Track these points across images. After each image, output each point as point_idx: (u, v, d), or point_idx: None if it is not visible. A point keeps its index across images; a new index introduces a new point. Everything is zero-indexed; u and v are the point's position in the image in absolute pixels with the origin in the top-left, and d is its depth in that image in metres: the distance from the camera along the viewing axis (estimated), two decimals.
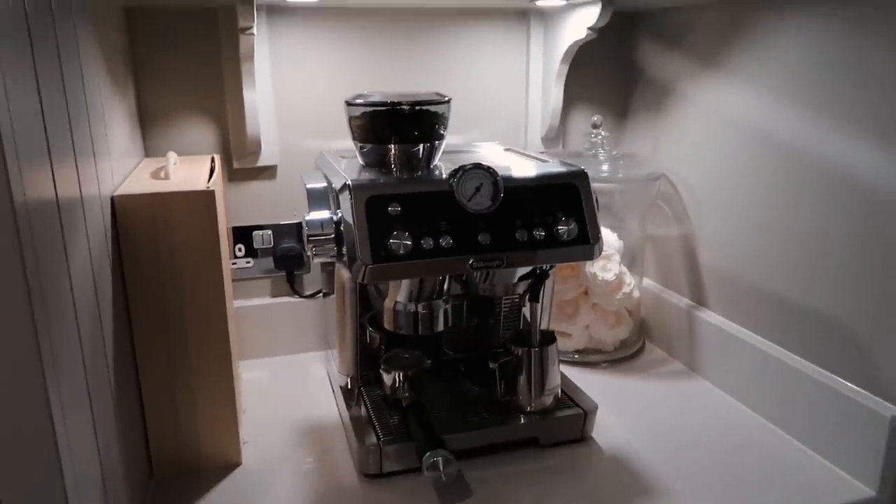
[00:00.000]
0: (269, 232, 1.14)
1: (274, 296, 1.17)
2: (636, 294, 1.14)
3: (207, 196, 0.77)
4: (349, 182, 0.77)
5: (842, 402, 0.84)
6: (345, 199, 0.77)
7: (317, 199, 0.85)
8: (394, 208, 0.76)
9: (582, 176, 0.84)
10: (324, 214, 0.81)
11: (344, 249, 0.78)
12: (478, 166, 0.79)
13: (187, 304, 0.79)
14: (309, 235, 0.80)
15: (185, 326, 0.79)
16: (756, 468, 0.85)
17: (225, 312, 0.81)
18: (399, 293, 0.84)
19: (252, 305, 1.15)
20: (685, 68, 1.09)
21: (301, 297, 1.17)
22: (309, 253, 0.81)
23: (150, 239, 0.76)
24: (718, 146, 1.03)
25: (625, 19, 1.14)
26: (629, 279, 1.12)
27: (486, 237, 0.78)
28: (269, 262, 1.15)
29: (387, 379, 0.89)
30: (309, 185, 0.86)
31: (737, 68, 0.98)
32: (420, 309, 0.84)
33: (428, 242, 0.76)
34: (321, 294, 1.16)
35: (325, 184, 0.86)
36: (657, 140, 1.17)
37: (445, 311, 0.85)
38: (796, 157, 0.89)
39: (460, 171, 0.78)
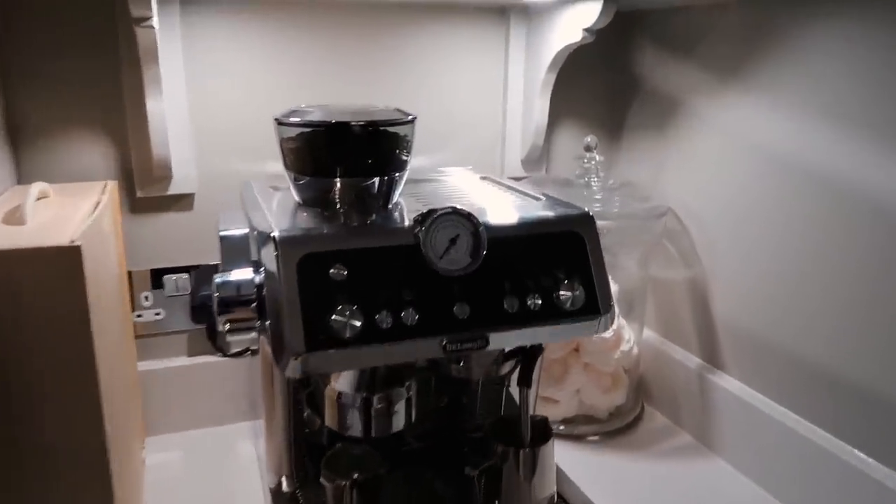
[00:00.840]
0: (185, 276, 0.91)
1: (192, 354, 0.94)
2: (636, 351, 0.95)
3: (70, 253, 0.54)
4: (275, 234, 0.55)
5: (887, 496, 0.66)
6: (269, 256, 0.56)
7: (234, 250, 0.63)
8: (338, 271, 0.55)
9: (588, 222, 0.64)
10: (243, 274, 0.59)
11: (268, 325, 0.57)
12: (454, 211, 0.58)
13: (42, 398, 0.56)
14: (220, 302, 0.58)
15: (42, 423, 0.57)
16: None
17: (99, 402, 0.59)
18: (343, 380, 0.63)
19: (163, 368, 0.92)
20: (696, 80, 0.90)
21: (225, 355, 0.94)
22: (221, 328, 0.59)
23: None
24: (737, 174, 0.85)
25: (623, 20, 0.94)
26: (628, 334, 0.93)
27: (463, 308, 0.57)
28: (185, 313, 0.92)
29: (329, 488, 0.67)
30: (224, 232, 0.64)
31: (760, 81, 0.80)
32: (375, 402, 0.62)
33: (385, 319, 0.55)
34: (249, 352, 0.93)
35: (245, 229, 0.64)
36: (660, 166, 0.98)
37: (408, 402, 0.64)
38: (836, 190, 0.71)
39: (430, 218, 0.57)
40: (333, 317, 0.54)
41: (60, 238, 0.56)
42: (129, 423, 0.77)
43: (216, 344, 0.93)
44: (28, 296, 0.54)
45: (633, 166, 1.04)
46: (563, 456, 0.78)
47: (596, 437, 0.93)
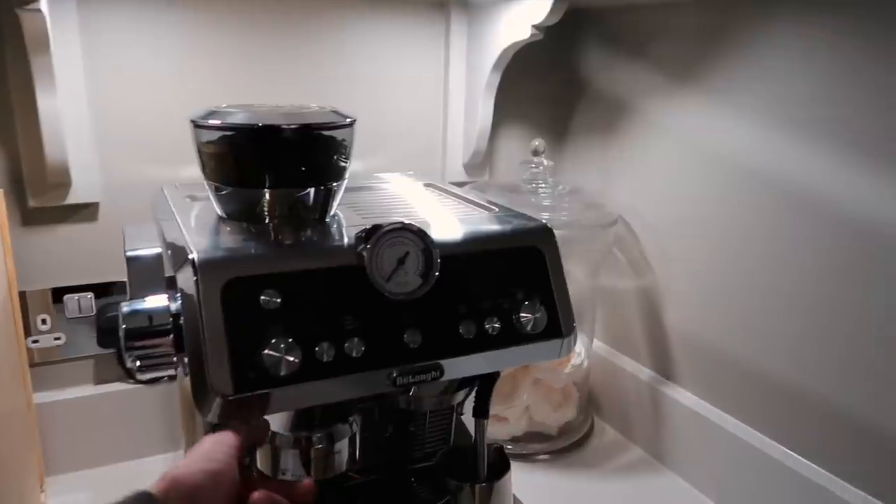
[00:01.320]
0: (89, 295, 0.80)
1: (98, 382, 0.84)
2: (586, 364, 0.91)
3: None
4: (194, 255, 0.47)
5: None
6: (187, 281, 0.47)
7: (144, 273, 0.54)
8: (270, 298, 0.47)
9: (547, 236, 0.59)
10: (156, 301, 0.51)
11: (187, 361, 0.48)
12: (403, 227, 0.51)
13: None
14: (128, 334, 0.49)
15: None
16: None
17: None
18: (278, 419, 0.55)
19: (65, 399, 0.81)
20: (647, 82, 0.86)
21: (138, 382, 0.84)
22: (129, 364, 0.51)
23: None
24: (690, 181, 0.82)
25: (572, 17, 0.89)
26: (579, 347, 0.88)
27: (415, 336, 0.51)
28: (90, 336, 0.81)
29: None
30: (131, 253, 0.55)
31: (715, 83, 0.77)
32: (315, 441, 0.55)
33: (326, 352, 0.48)
34: (166, 378, 0.83)
35: (158, 248, 0.56)
36: (609, 171, 0.94)
37: (352, 439, 0.57)
38: (794, 196, 0.69)
39: (375, 235, 0.50)
40: (266, 351, 0.46)
41: None
42: (20, 463, 0.67)
43: (127, 370, 0.83)
44: None
45: (580, 172, 0.99)
46: (513, 477, 0.72)
47: (546, 456, 0.89)
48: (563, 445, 0.90)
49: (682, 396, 0.85)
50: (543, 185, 0.88)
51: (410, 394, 0.59)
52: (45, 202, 0.75)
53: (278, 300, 0.48)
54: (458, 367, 0.53)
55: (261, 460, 0.56)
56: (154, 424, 0.85)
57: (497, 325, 0.54)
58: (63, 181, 0.75)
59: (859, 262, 0.64)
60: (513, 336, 0.54)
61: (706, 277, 0.80)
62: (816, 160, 0.67)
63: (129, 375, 0.84)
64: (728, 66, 0.75)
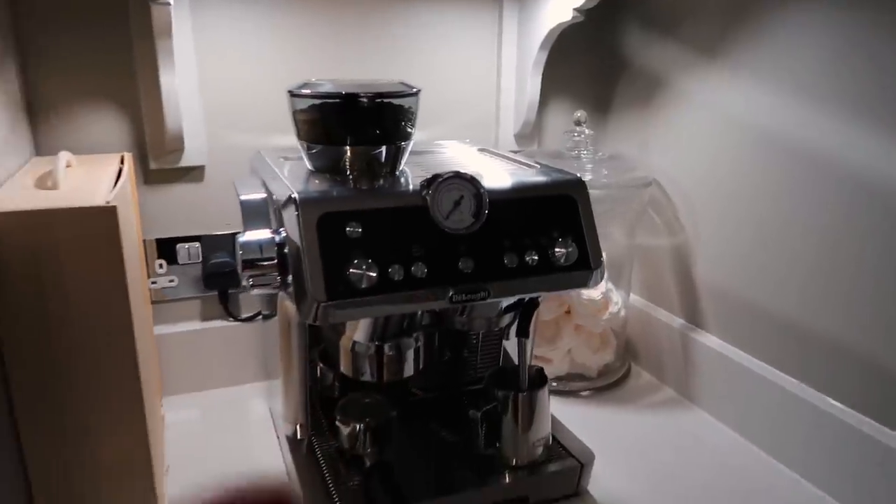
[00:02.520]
0: (197, 244, 0.96)
1: (205, 319, 0.99)
2: (623, 313, 1.01)
3: (107, 214, 0.59)
4: (295, 195, 0.60)
5: (862, 440, 0.73)
6: (290, 216, 0.61)
7: (254, 214, 0.68)
8: (353, 229, 0.60)
9: (580, 186, 0.70)
10: (264, 234, 0.64)
11: (290, 279, 0.62)
12: (457, 175, 0.63)
13: (81, 349, 0.61)
14: (244, 261, 0.63)
15: (79, 376, 0.61)
16: None
17: (134, 356, 0.64)
18: (358, 331, 0.68)
19: (178, 332, 0.96)
20: (680, 59, 0.95)
21: (237, 320, 0.99)
22: (245, 283, 0.64)
23: (28, 270, 0.57)
24: (717, 147, 0.91)
25: (608, 1, 1.00)
26: (616, 297, 0.99)
27: (467, 263, 0.63)
28: (197, 280, 0.97)
29: (344, 431, 0.73)
30: (244, 197, 0.69)
31: (739, 59, 0.85)
32: (386, 350, 0.68)
33: (397, 271, 0.60)
34: (260, 317, 0.98)
35: (263, 195, 0.69)
36: (646, 139, 1.03)
37: (416, 351, 0.70)
38: (809, 159, 0.77)
39: (436, 182, 0.63)
40: (350, 270, 0.59)
41: (96, 200, 0.60)
42: (151, 380, 0.82)
43: (228, 309, 0.98)
44: (67, 254, 0.58)
45: (620, 140, 1.09)
46: (557, 409, 0.83)
47: (587, 393, 1.00)
48: (602, 385, 1.01)
49: (709, 341, 0.94)
50: (585, 152, 0.98)
51: (464, 316, 0.71)
52: (163, 164, 0.91)
53: (360, 231, 0.60)
54: (503, 290, 0.64)
55: (343, 365, 0.70)
56: (249, 357, 1.00)
57: (535, 258, 0.65)
58: (178, 147, 0.90)
59: (861, 214, 0.72)
60: (548, 266, 0.66)
61: (731, 234, 0.90)
62: (824, 126, 0.75)
63: (229, 315, 0.99)
64: (749, 42, 0.83)
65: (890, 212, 0.69)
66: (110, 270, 0.60)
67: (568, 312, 0.99)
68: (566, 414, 0.90)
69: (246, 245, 0.63)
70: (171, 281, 0.96)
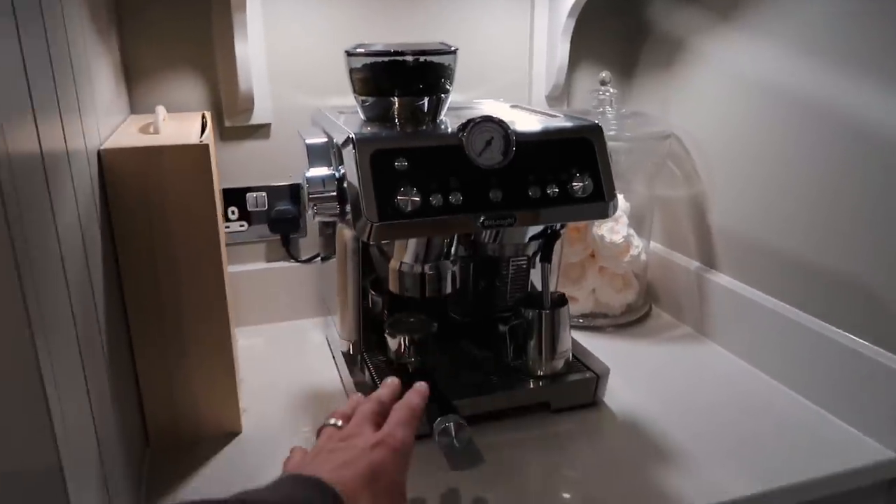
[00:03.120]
0: (264, 194, 1.09)
1: (269, 261, 1.13)
2: (643, 257, 1.11)
3: (201, 150, 0.72)
4: (353, 136, 0.72)
5: (858, 360, 0.81)
6: (348, 153, 0.73)
7: (317, 155, 0.80)
8: (400, 163, 0.72)
9: (597, 130, 0.80)
10: (325, 171, 0.77)
11: (347, 208, 0.74)
12: (488, 119, 0.74)
13: (182, 265, 0.75)
14: (310, 193, 0.76)
15: (180, 288, 0.75)
16: (772, 431, 0.83)
17: (222, 272, 0.77)
18: (405, 254, 0.80)
19: (247, 271, 1.10)
20: (697, 23, 1.04)
21: (297, 261, 1.13)
22: (310, 212, 0.77)
23: (140, 197, 0.71)
24: (730, 103, 0.99)
25: None
26: (637, 241, 1.09)
27: (497, 194, 0.74)
28: (263, 225, 1.10)
29: (392, 343, 0.86)
30: (308, 141, 0.81)
31: (751, 21, 0.94)
32: (427, 270, 0.80)
33: (437, 199, 0.72)
34: (319, 258, 1.12)
35: (324, 139, 0.82)
36: (667, 98, 1.12)
37: (453, 273, 0.81)
38: (815, 113, 0.85)
39: (470, 124, 0.74)
40: (398, 197, 0.71)
41: (191, 140, 0.74)
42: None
43: (289, 251, 1.12)
44: (171, 183, 0.72)
45: (643, 99, 1.19)
46: (582, 342, 0.94)
47: (610, 329, 1.10)
48: (624, 322, 1.11)
49: (722, 280, 1.04)
50: (609, 109, 1.08)
51: (496, 243, 0.82)
52: (236, 122, 1.04)
53: (406, 165, 0.72)
54: (527, 217, 0.75)
55: (392, 284, 0.82)
56: (308, 294, 1.14)
57: (556, 190, 0.76)
58: (248, 107, 1.03)
59: (858, 160, 0.80)
60: (567, 198, 0.76)
61: (742, 183, 0.98)
62: (828, 78, 0.83)
63: (291, 257, 1.13)
64: (764, 5, 0.92)
65: (885, 156, 0.77)
66: (204, 196, 0.73)
67: (592, 256, 1.09)
68: (590, 345, 1.00)
69: (312, 179, 0.76)
70: (242, 226, 1.09)
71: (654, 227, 1.17)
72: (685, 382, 0.94)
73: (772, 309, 0.94)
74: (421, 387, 0.64)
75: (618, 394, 0.90)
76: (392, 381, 0.67)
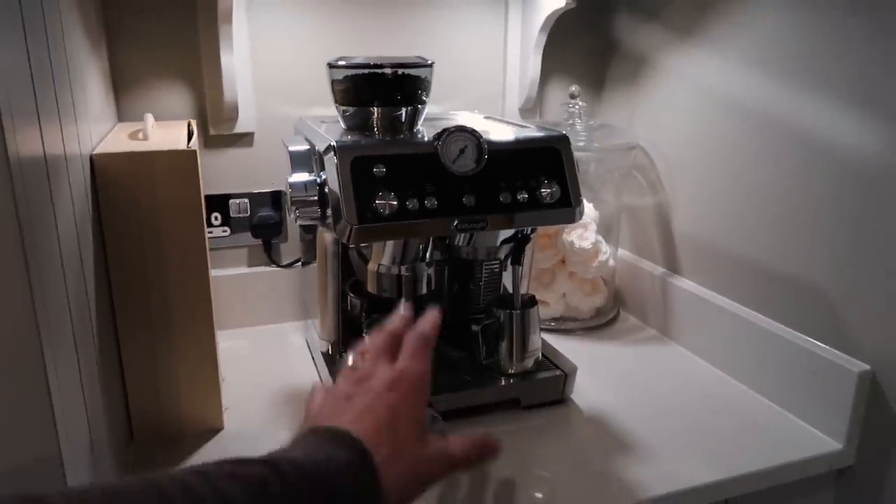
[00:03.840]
0: (246, 200, 1.12)
1: (251, 265, 1.16)
2: (612, 263, 1.16)
3: (189, 156, 0.76)
4: (334, 143, 0.76)
5: (813, 361, 0.87)
6: (329, 160, 0.77)
7: (299, 161, 0.84)
8: (379, 170, 0.76)
9: (564, 140, 0.85)
10: (307, 176, 0.81)
11: (328, 212, 0.78)
12: (462, 128, 0.79)
13: (169, 265, 0.78)
14: (293, 197, 0.80)
15: (167, 287, 0.78)
16: (731, 428, 0.88)
17: (207, 273, 0.81)
18: (383, 256, 0.84)
19: (229, 275, 1.14)
20: (662, 39, 1.10)
21: (278, 266, 1.16)
22: (292, 216, 0.81)
23: (130, 199, 0.75)
24: (693, 116, 1.05)
25: None
26: (605, 247, 1.14)
27: (470, 199, 0.79)
28: (245, 231, 1.14)
29: None
30: (292, 148, 0.85)
31: (710, 37, 1.00)
32: (404, 272, 0.84)
33: (413, 203, 0.76)
34: (299, 263, 1.15)
35: (307, 147, 0.86)
36: (633, 111, 1.18)
37: (428, 276, 0.86)
38: (771, 124, 0.91)
39: (445, 133, 0.79)
40: (376, 201, 0.75)
41: (179, 146, 0.77)
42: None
43: (271, 256, 1.15)
44: (160, 187, 0.75)
45: (611, 112, 1.24)
46: (553, 344, 0.99)
47: (579, 332, 1.15)
48: (593, 325, 1.16)
49: (686, 284, 1.09)
50: (579, 121, 1.13)
51: (469, 246, 0.87)
52: (220, 131, 1.08)
53: (384, 171, 0.76)
54: (498, 221, 0.80)
55: (370, 285, 0.86)
56: (289, 298, 1.17)
57: (525, 196, 0.81)
58: (232, 116, 1.07)
59: (816, 171, 0.86)
60: (536, 203, 0.81)
61: (705, 190, 1.04)
62: (786, 93, 0.88)
63: (272, 261, 1.16)
64: (721, 23, 0.97)
65: (837, 165, 0.83)
66: (191, 200, 0.77)
67: (563, 261, 1.14)
68: (561, 347, 1.05)
69: (294, 184, 0.80)
70: (225, 231, 1.13)
71: (621, 235, 1.22)
72: (650, 381, 0.99)
73: (733, 312, 0.99)
74: (432, 315, 0.61)
75: (585, 392, 0.94)
76: (403, 312, 0.64)
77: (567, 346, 1.07)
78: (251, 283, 1.15)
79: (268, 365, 1.04)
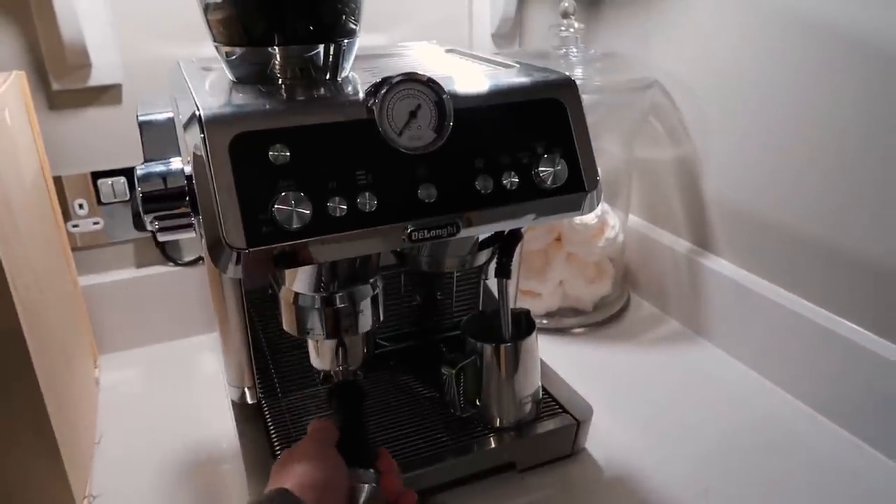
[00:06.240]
0: (123, 179, 0.81)
1: (140, 266, 0.86)
2: (621, 238, 0.89)
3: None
4: (200, 112, 0.46)
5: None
6: (194, 138, 0.47)
7: (158, 138, 0.54)
8: (279, 153, 0.47)
9: (569, 88, 0.56)
10: (169, 164, 0.51)
11: (201, 219, 0.49)
12: (412, 77, 0.49)
13: None
14: (144, 197, 0.50)
15: None
16: (804, 477, 0.63)
17: (18, 328, 0.51)
18: (298, 280, 0.55)
19: (109, 282, 0.84)
20: None
21: (178, 264, 0.87)
22: (150, 227, 0.51)
23: None
24: (732, 39, 0.76)
25: None
26: (613, 220, 0.86)
27: (429, 191, 0.50)
28: (126, 221, 0.83)
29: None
30: (143, 117, 0.54)
31: None
32: (337, 301, 0.55)
33: (338, 206, 0.47)
34: (201, 260, 0.85)
35: (170, 114, 0.55)
36: (645, 34, 0.88)
37: (374, 300, 0.57)
38: (853, 46, 0.63)
39: (385, 87, 0.49)
40: (277, 206, 0.46)
41: None
42: (70, 342, 0.70)
43: (166, 252, 0.85)
44: None
45: (615, 36, 0.94)
46: (548, 350, 0.72)
47: (581, 330, 0.89)
48: (599, 320, 0.90)
49: (721, 266, 0.83)
50: (574, 50, 0.84)
51: (431, 256, 0.58)
52: (68, 84, 0.76)
53: (287, 154, 0.47)
54: (475, 222, 0.51)
55: (286, 322, 0.58)
56: (195, 305, 0.88)
57: (515, 180, 0.52)
58: (83, 62, 0.74)
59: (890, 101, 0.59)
60: (532, 190, 0.52)
61: (746, 141, 0.76)
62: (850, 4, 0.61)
63: (168, 259, 0.86)
64: None
65: None
66: (23, 186, 0.47)
67: (558, 240, 0.87)
68: (558, 356, 0.79)
69: (145, 178, 0.50)
70: (96, 223, 0.82)
71: (631, 198, 0.94)
72: (685, 409, 0.74)
73: (785, 306, 0.74)
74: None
75: (602, 435, 0.68)
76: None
77: (566, 354, 0.83)
78: (142, 289, 0.86)
79: (166, 408, 0.76)
